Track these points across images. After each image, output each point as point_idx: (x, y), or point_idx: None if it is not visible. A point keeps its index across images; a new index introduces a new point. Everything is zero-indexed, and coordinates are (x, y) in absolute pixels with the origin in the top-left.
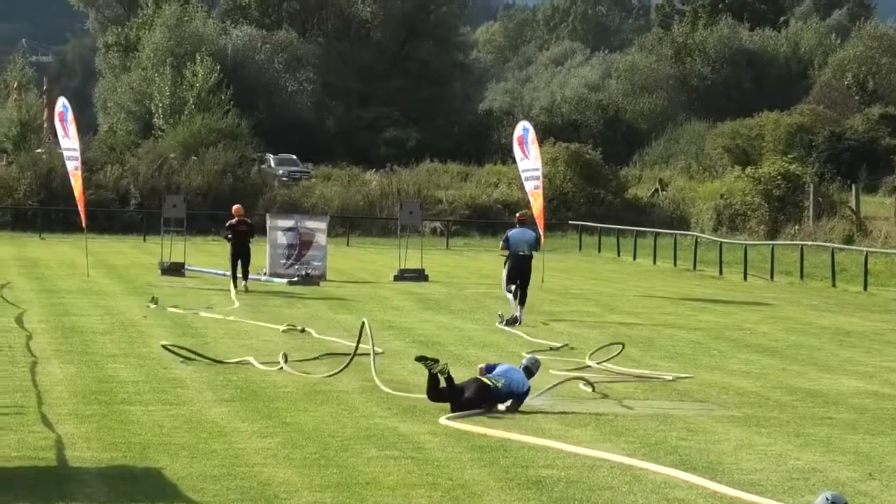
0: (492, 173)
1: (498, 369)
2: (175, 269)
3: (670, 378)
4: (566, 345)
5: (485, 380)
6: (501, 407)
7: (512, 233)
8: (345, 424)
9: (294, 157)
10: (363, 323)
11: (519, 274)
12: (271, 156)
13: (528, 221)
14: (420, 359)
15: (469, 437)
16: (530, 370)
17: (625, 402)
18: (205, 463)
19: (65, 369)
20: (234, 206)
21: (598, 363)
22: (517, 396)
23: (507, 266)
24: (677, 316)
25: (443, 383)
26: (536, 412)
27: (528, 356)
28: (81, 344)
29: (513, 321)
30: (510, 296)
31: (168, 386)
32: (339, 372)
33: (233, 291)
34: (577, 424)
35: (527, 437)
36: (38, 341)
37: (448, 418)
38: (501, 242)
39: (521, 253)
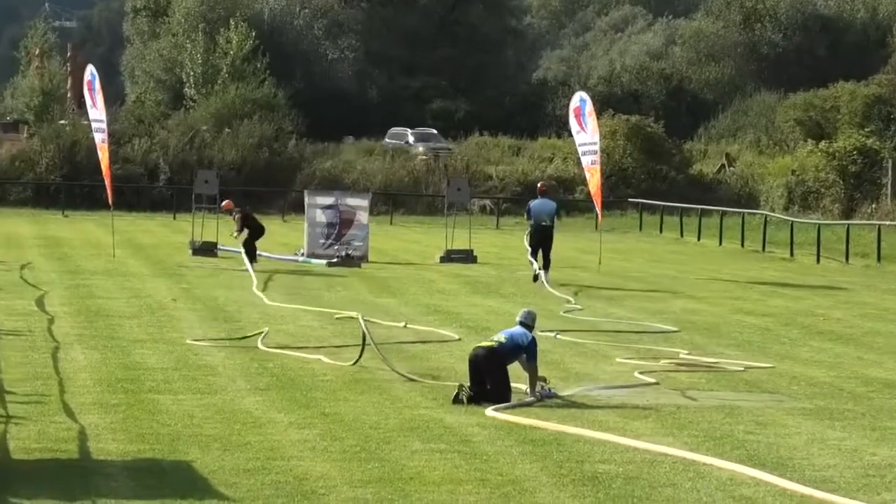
0: (545, 147)
1: (498, 333)
2: (207, 249)
3: (741, 369)
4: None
5: (487, 343)
6: (527, 391)
7: (533, 204)
8: (387, 415)
9: (434, 131)
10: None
11: (540, 242)
12: (409, 130)
13: (549, 192)
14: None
15: (520, 430)
16: (526, 324)
17: (688, 393)
18: (238, 456)
19: (89, 355)
20: (225, 202)
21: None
22: (527, 349)
23: (528, 235)
24: (744, 301)
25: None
26: (593, 404)
27: (522, 311)
28: (107, 328)
29: (534, 278)
30: (532, 259)
31: (199, 374)
32: (357, 361)
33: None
34: (637, 416)
35: (582, 429)
36: (61, 325)
37: (495, 409)
38: (525, 213)
39: (542, 223)
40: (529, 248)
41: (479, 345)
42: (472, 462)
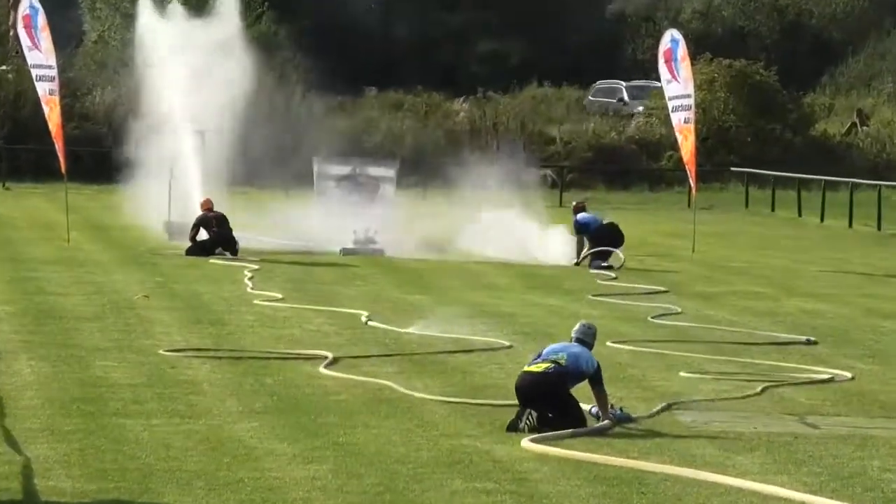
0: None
1: (547, 350)
2: (186, 232)
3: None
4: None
5: (538, 367)
6: (592, 410)
7: (581, 216)
8: (419, 446)
9: (657, 83)
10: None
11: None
12: (623, 84)
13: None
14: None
15: (589, 466)
16: (585, 341)
17: (808, 419)
18: (228, 497)
19: (36, 368)
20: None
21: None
22: (592, 378)
23: (587, 249)
24: (882, 300)
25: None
26: (683, 433)
27: (579, 324)
28: (60, 333)
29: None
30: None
31: (178, 391)
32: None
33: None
34: (742, 449)
35: (670, 467)
36: (1, 329)
37: (532, 440)
38: (575, 231)
39: (604, 222)
40: (592, 259)
41: (529, 369)
42: None
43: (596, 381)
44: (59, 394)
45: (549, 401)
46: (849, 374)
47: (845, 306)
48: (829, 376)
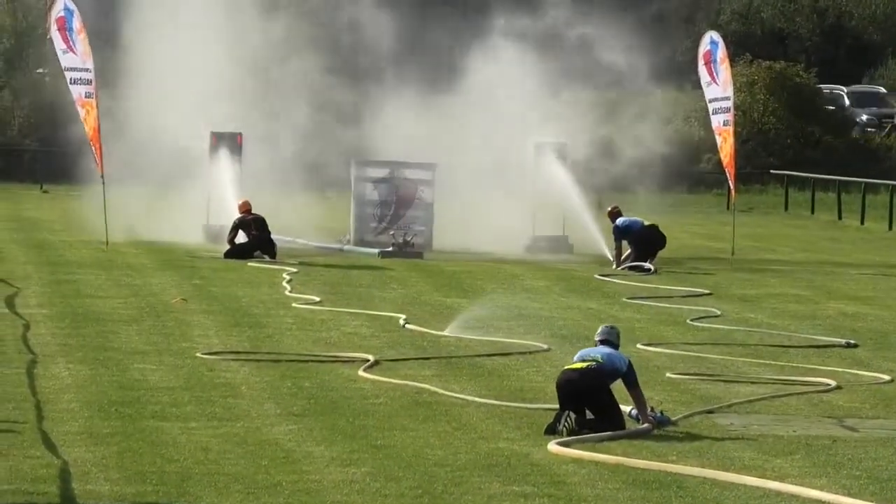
0: (664, 103)
1: (581, 353)
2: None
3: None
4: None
5: (579, 365)
6: (632, 413)
7: (621, 220)
8: (457, 449)
9: (881, 89)
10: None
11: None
12: (843, 89)
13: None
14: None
15: (628, 470)
16: (611, 341)
17: (846, 422)
18: (266, 500)
19: (74, 371)
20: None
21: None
22: (625, 376)
23: (629, 252)
24: None
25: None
26: (722, 436)
27: (602, 327)
28: (98, 337)
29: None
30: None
31: (216, 394)
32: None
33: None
34: (781, 452)
35: (709, 470)
36: (39, 332)
37: (559, 443)
38: (615, 236)
39: (646, 224)
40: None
41: (570, 366)
42: None
43: (631, 382)
44: (96, 397)
45: (591, 398)
46: (887, 377)
47: (886, 309)
48: (834, 385)
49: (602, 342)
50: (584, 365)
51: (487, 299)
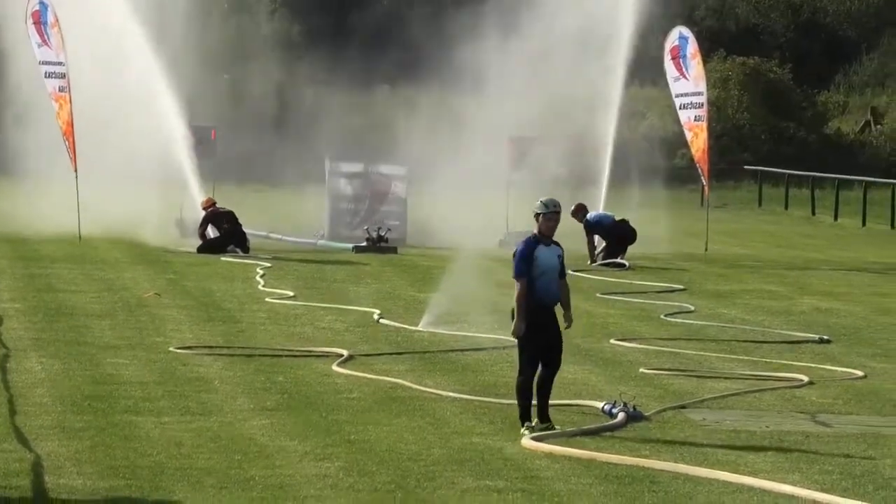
0: (637, 99)
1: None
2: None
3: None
4: None
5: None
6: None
7: (592, 215)
8: (431, 443)
9: None
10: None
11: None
12: None
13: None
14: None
15: (601, 465)
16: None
17: (819, 417)
18: (239, 495)
19: (47, 365)
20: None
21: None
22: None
23: (601, 247)
24: (895, 298)
25: None
26: (695, 432)
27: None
28: (70, 331)
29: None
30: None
31: (189, 389)
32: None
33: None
34: (754, 447)
35: (682, 465)
36: (12, 327)
37: (534, 437)
38: (587, 231)
39: (616, 219)
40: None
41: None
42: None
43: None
44: (69, 391)
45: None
46: (860, 373)
47: (859, 305)
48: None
49: (540, 217)
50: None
51: (461, 294)
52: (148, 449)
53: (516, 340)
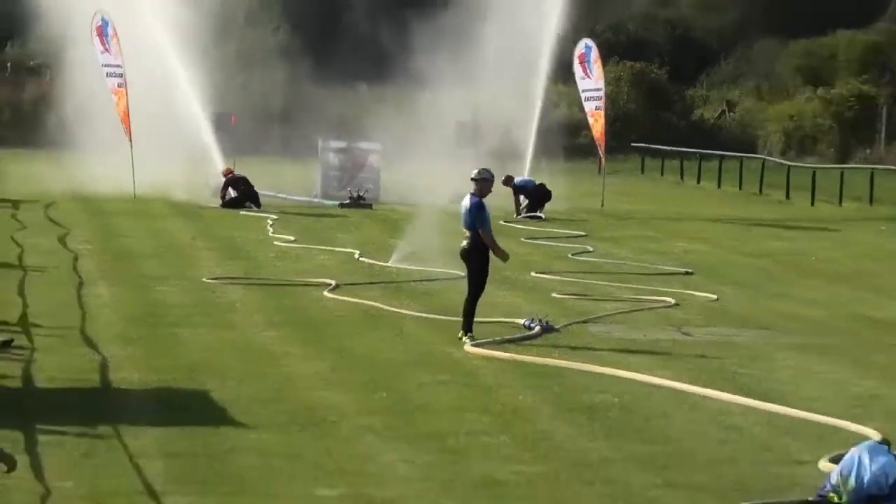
0: (553, 93)
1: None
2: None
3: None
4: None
5: (464, 243)
6: (524, 322)
7: (519, 180)
8: (397, 350)
9: None
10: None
11: (544, 198)
12: None
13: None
14: None
15: (523, 365)
16: (486, 178)
17: (683, 329)
18: (254, 386)
19: (111, 291)
20: (225, 168)
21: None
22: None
23: (525, 204)
24: (743, 242)
25: None
26: (594, 340)
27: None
28: (128, 266)
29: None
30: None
31: (217, 310)
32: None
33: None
34: (636, 351)
35: (583, 364)
36: (85, 263)
37: (474, 344)
38: (515, 192)
39: (537, 182)
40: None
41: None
42: (476, 393)
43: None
44: (127, 310)
45: (471, 261)
46: (714, 296)
47: (715, 247)
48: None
49: (475, 181)
50: (466, 242)
51: (421, 238)
52: (186, 352)
53: (466, 273)
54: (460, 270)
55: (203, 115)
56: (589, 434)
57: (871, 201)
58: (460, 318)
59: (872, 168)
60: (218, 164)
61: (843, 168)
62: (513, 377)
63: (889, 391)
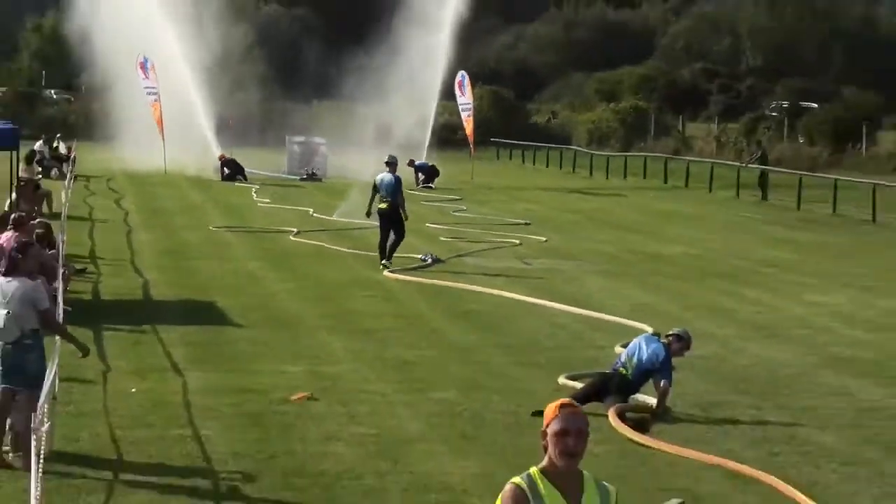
0: (442, 106)
1: (381, 188)
2: (231, 172)
3: (518, 243)
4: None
5: (384, 204)
6: (422, 257)
7: (419, 163)
8: (341, 275)
9: None
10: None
11: (434, 175)
12: None
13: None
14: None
15: (422, 285)
16: (393, 164)
17: (525, 260)
18: (245, 299)
19: (149, 235)
20: (220, 154)
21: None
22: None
23: (423, 179)
24: (562, 203)
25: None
26: (468, 267)
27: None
28: (162, 219)
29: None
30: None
31: (220, 248)
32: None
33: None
34: (498, 276)
35: (461, 284)
36: (132, 217)
37: (393, 270)
38: (416, 171)
39: (430, 164)
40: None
41: (381, 206)
42: (392, 303)
43: (399, 190)
44: (162, 248)
45: (392, 222)
46: (545, 238)
47: (546, 208)
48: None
49: (388, 164)
50: (386, 205)
51: (355, 200)
52: (200, 276)
53: (380, 225)
54: (377, 223)
55: (207, 121)
56: (465, 330)
57: (644, 176)
58: (376, 253)
59: (645, 155)
60: (216, 152)
61: (626, 155)
62: (415, 293)
63: (657, 300)
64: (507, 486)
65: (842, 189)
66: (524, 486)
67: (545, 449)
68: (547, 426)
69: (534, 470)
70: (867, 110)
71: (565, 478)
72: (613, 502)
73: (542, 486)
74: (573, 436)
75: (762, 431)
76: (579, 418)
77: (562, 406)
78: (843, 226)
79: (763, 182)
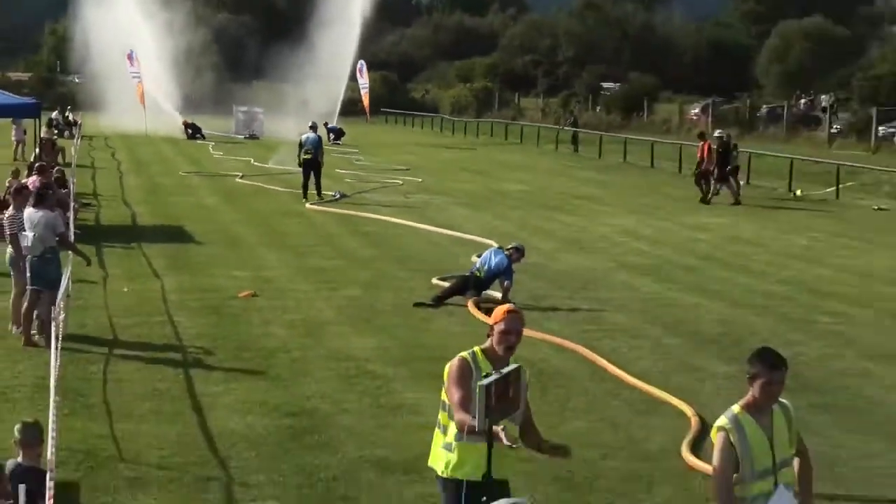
0: (347, 87)
1: (307, 142)
2: (195, 132)
3: (401, 182)
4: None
5: (307, 155)
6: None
7: (331, 126)
8: (275, 207)
9: None
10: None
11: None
12: None
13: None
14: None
15: (334, 213)
16: (315, 127)
17: (407, 195)
18: (206, 225)
19: (136, 179)
20: (183, 120)
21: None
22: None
23: (334, 138)
24: (433, 155)
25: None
26: (368, 200)
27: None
28: (146, 168)
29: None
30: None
31: (187, 189)
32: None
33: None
34: (387, 206)
35: (362, 213)
36: (123, 165)
37: (312, 203)
38: (328, 133)
39: (338, 126)
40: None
41: (305, 156)
42: (312, 226)
43: (321, 153)
44: (145, 188)
45: (314, 167)
46: (420, 180)
47: (420, 157)
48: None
49: (311, 127)
50: (309, 156)
51: (284, 153)
52: (173, 208)
53: (303, 170)
54: (297, 168)
55: (175, 98)
56: (365, 246)
57: (491, 135)
58: (298, 190)
59: (492, 121)
60: (178, 118)
61: (478, 120)
62: (330, 220)
63: (502, 224)
64: (455, 359)
65: (630, 144)
66: (468, 359)
67: (488, 336)
68: (495, 324)
69: (477, 349)
70: (647, 89)
71: (500, 360)
72: (526, 376)
73: (482, 360)
74: (514, 334)
75: (575, 315)
76: (519, 322)
77: (508, 311)
78: (631, 170)
79: (575, 139)
